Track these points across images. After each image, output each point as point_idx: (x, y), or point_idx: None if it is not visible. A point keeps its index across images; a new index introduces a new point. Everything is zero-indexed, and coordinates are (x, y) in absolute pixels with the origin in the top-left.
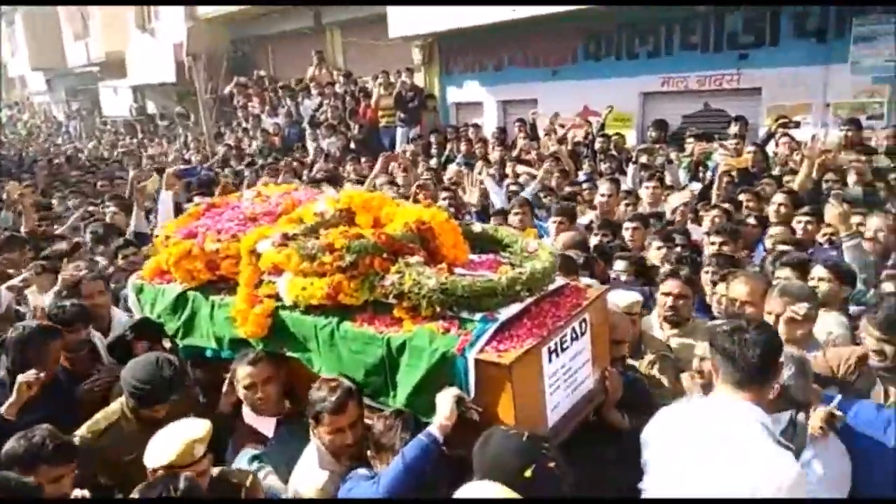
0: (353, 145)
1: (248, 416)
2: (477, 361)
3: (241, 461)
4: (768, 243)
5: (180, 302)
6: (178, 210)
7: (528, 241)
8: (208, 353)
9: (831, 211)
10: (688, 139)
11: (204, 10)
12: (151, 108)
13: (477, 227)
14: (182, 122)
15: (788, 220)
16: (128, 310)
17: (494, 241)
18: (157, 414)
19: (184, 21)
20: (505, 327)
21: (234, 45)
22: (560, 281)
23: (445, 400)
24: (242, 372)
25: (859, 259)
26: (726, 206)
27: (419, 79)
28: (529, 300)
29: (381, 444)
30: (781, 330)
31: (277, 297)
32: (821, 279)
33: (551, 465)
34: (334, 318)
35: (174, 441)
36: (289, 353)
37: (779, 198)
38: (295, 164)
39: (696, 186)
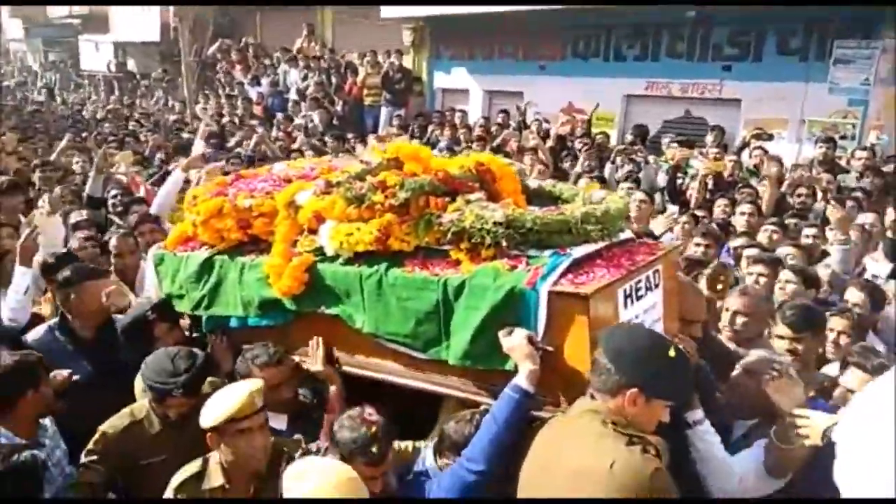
0: (335, 121)
1: None
2: (551, 295)
3: None
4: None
5: (206, 268)
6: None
7: (592, 192)
8: (233, 323)
9: (834, 215)
10: (670, 144)
11: None
12: (132, 66)
13: (532, 182)
14: (162, 84)
15: (756, 229)
16: None
17: (552, 197)
18: (170, 412)
19: None
20: (579, 264)
21: (222, 9)
22: (628, 233)
23: (520, 345)
24: (259, 374)
25: (846, 264)
26: (699, 213)
27: (408, 61)
28: (601, 244)
29: (455, 442)
30: (737, 326)
31: (315, 252)
32: (787, 281)
33: (680, 344)
34: (382, 266)
35: (233, 394)
36: (327, 311)
37: (746, 208)
38: (280, 136)
39: (674, 209)
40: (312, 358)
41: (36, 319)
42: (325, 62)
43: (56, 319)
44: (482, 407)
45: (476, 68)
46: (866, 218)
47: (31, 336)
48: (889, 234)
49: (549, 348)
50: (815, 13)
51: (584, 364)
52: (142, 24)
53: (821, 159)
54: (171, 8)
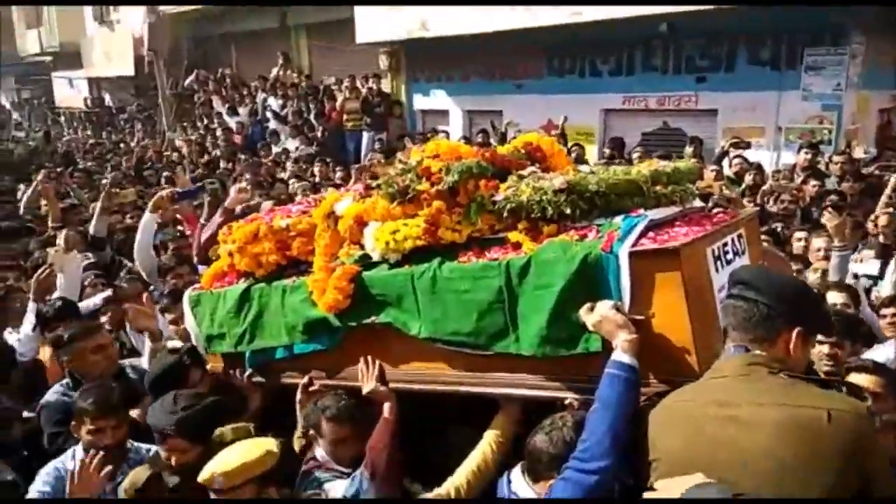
0: (314, 148)
1: (322, 457)
2: (632, 257)
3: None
4: None
5: (245, 300)
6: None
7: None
8: (278, 355)
9: (831, 221)
10: (640, 158)
11: (166, 6)
12: (108, 100)
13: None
14: (139, 117)
15: None
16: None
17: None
18: (172, 457)
19: (145, 15)
20: (656, 225)
21: (197, 42)
22: (699, 202)
23: (608, 315)
24: (329, 427)
25: (843, 270)
26: None
27: (386, 84)
28: (675, 208)
29: (555, 456)
30: None
31: (360, 263)
32: None
33: None
34: (434, 262)
35: (246, 446)
36: (379, 321)
37: None
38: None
39: None
40: (365, 378)
41: (38, 363)
42: (302, 89)
43: (66, 380)
44: (567, 404)
45: (454, 89)
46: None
47: (46, 398)
48: (881, 237)
49: (640, 317)
50: (785, 22)
51: (681, 331)
52: (116, 59)
53: (805, 166)
54: (145, 40)
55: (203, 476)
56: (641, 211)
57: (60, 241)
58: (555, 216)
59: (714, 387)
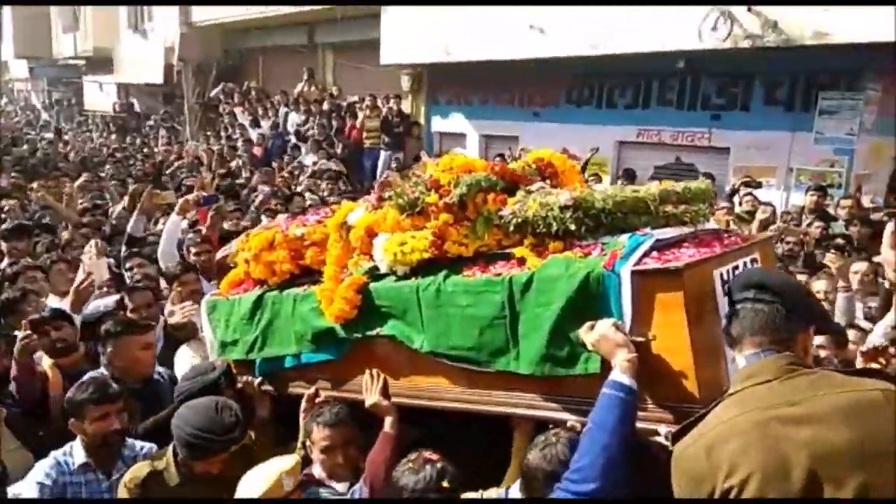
0: (333, 163)
1: (318, 474)
2: (634, 276)
3: None
4: None
5: (258, 307)
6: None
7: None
8: (287, 364)
9: (834, 263)
10: None
11: (198, 17)
12: (136, 106)
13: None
14: (164, 124)
15: None
16: None
17: None
18: (213, 468)
19: (177, 26)
20: (662, 245)
21: (226, 54)
22: (714, 223)
23: (607, 333)
24: (320, 433)
25: (848, 312)
26: None
27: (406, 105)
28: (686, 229)
29: (550, 473)
30: None
31: (368, 273)
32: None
33: None
34: (440, 274)
35: (261, 473)
36: (383, 332)
37: None
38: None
39: None
40: (368, 391)
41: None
42: (326, 105)
43: (101, 370)
44: (568, 424)
45: (472, 113)
46: (860, 266)
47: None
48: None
49: (641, 339)
50: (801, 65)
51: (682, 354)
52: (146, 67)
53: (811, 207)
54: (176, 50)
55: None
56: (648, 230)
57: (91, 247)
58: (560, 232)
59: (765, 392)
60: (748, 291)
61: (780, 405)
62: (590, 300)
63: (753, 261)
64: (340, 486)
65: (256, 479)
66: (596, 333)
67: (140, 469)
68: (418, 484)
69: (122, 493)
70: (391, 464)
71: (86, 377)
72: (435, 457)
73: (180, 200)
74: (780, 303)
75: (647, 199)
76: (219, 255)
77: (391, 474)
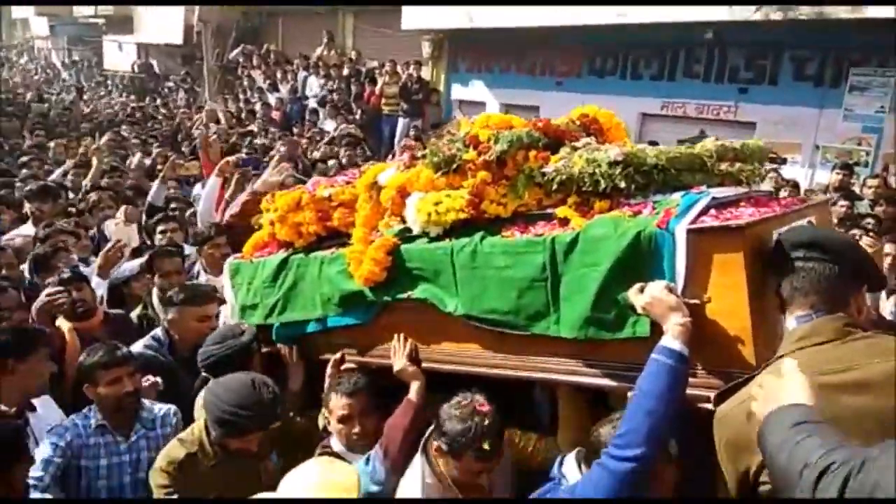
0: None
1: (336, 446)
2: (691, 235)
3: None
4: None
5: (282, 270)
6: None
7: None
8: (310, 328)
9: (872, 248)
10: None
11: None
12: (155, 67)
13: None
14: (183, 86)
15: None
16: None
17: None
18: (250, 446)
19: None
20: (719, 204)
21: (246, 16)
22: (769, 185)
23: (660, 296)
24: (337, 402)
25: (876, 298)
26: None
27: (426, 72)
28: (741, 189)
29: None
30: None
31: (398, 235)
32: None
33: None
34: (476, 235)
35: (325, 485)
36: (414, 296)
37: None
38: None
39: None
40: (396, 355)
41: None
42: (346, 70)
43: (160, 331)
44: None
45: (493, 81)
46: (891, 249)
47: (137, 347)
48: None
49: (695, 301)
50: (832, 40)
51: (740, 319)
52: (166, 27)
53: (836, 186)
54: (196, 10)
55: None
56: (704, 188)
57: (121, 214)
58: (608, 190)
59: (816, 355)
60: (799, 251)
61: (833, 370)
62: (640, 261)
63: (810, 223)
64: (354, 458)
65: (318, 490)
66: (647, 295)
67: (175, 451)
68: (459, 436)
69: (160, 478)
70: (409, 432)
71: (96, 344)
72: (486, 408)
73: (220, 162)
74: (832, 261)
75: (702, 156)
76: (227, 214)
77: (408, 443)
